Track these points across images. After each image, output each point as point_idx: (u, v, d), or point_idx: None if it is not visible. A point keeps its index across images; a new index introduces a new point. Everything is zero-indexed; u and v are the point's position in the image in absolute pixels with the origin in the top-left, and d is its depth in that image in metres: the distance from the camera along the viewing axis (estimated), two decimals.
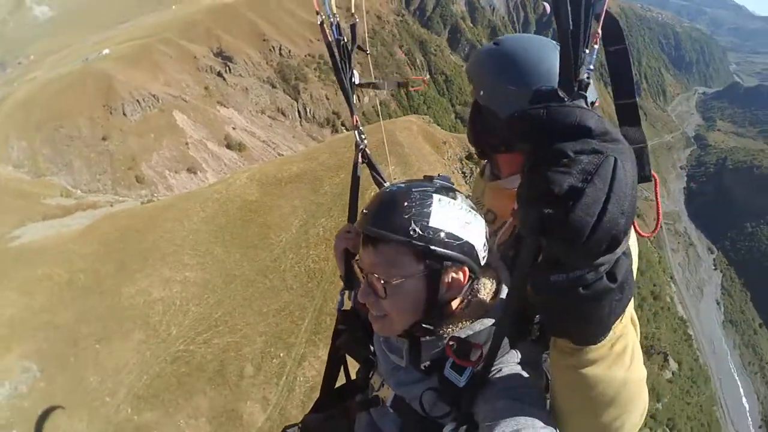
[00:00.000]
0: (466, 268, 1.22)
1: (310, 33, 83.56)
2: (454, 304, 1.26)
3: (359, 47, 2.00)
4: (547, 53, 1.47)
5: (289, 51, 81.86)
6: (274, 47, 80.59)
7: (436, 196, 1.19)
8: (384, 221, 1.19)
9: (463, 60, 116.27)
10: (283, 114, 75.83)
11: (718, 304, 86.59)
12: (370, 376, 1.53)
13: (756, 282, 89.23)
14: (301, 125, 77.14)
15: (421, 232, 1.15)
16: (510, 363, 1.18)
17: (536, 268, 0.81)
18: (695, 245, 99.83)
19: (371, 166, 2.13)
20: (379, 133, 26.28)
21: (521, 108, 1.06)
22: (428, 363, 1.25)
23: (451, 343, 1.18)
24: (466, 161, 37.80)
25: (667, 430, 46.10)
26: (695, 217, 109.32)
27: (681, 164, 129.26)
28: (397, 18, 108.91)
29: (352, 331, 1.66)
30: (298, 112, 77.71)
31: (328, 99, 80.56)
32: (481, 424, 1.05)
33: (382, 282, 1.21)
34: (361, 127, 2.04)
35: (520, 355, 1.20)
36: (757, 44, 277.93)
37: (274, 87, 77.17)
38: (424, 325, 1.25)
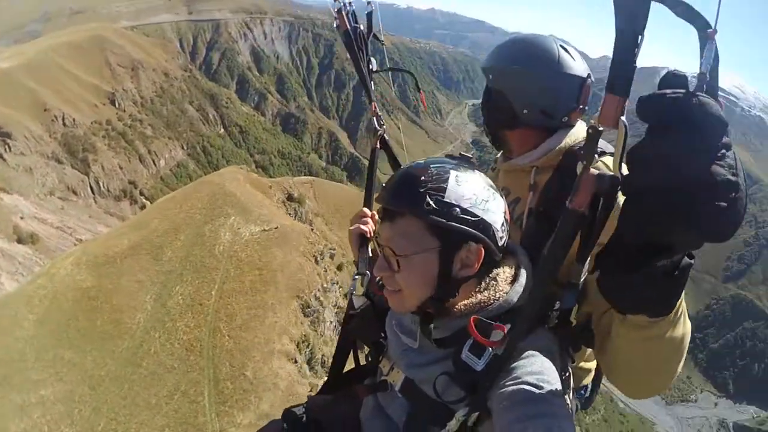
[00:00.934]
0: (482, 247, 1.21)
1: (96, 97, 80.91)
2: (470, 283, 1.25)
3: (375, 36, 2.06)
4: (540, 39, 1.70)
5: (74, 120, 76.73)
6: (57, 117, 74.50)
7: (453, 172, 1.20)
8: (400, 195, 1.21)
9: (254, 109, 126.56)
10: (75, 192, 69.64)
11: None
12: (379, 359, 1.54)
13: None
14: (96, 202, 72.18)
15: (435, 207, 1.15)
16: (527, 349, 1.15)
17: (633, 256, 0.84)
18: None
19: (389, 152, 2.14)
20: (207, 188, 33.12)
21: (540, 88, 1.63)
22: (441, 337, 1.26)
23: (473, 321, 1.15)
24: (289, 202, 39.78)
25: None
26: None
27: None
28: (185, 74, 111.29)
29: (363, 316, 1.66)
30: (91, 187, 72.54)
31: (121, 168, 78.61)
32: (498, 410, 1.05)
33: (397, 255, 1.21)
34: (379, 113, 2.07)
35: (537, 342, 1.18)
36: None
37: (60, 163, 70.69)
38: (437, 302, 1.25)
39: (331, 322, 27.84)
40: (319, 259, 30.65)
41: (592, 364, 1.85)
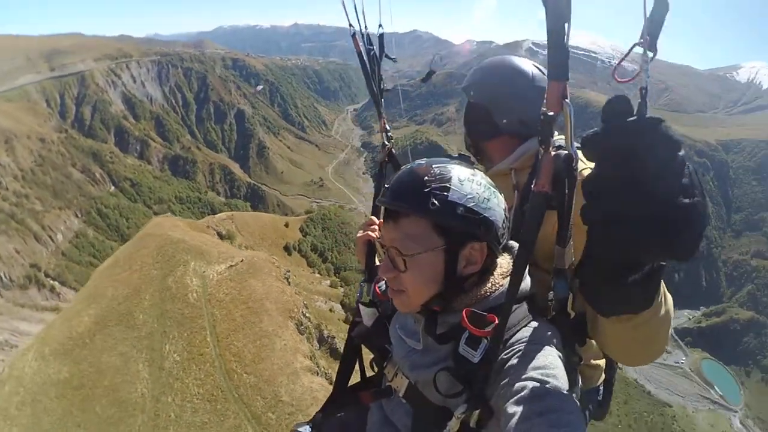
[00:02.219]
0: (485, 244, 1.24)
1: None
2: (472, 279, 1.28)
3: (387, 56, 2.18)
4: (515, 59, 1.95)
5: None
6: None
7: (455, 172, 1.22)
8: (404, 195, 1.22)
9: (139, 159, 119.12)
10: None
11: None
12: (384, 365, 1.55)
13: None
14: (2, 296, 63.26)
15: (440, 206, 1.17)
16: (531, 342, 1.16)
17: (607, 270, 0.87)
18: None
19: (396, 166, 2.16)
20: (151, 242, 30.58)
21: (516, 99, 1.89)
22: (443, 332, 1.28)
23: (465, 313, 1.18)
24: (221, 240, 39.60)
25: None
26: None
27: (363, 170, 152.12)
28: (61, 136, 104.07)
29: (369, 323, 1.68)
30: None
31: (19, 252, 71.33)
32: (503, 407, 1.04)
33: (402, 255, 1.23)
34: (388, 127, 2.17)
35: (540, 335, 1.19)
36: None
37: None
38: (441, 299, 1.27)
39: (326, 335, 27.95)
40: (289, 280, 30.52)
41: (602, 362, 1.92)
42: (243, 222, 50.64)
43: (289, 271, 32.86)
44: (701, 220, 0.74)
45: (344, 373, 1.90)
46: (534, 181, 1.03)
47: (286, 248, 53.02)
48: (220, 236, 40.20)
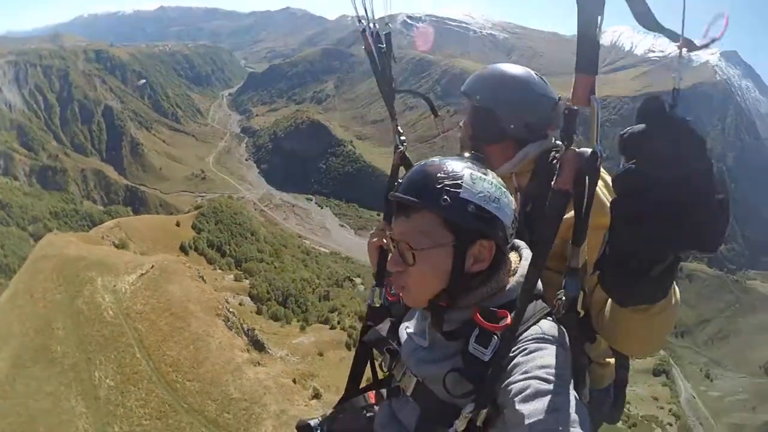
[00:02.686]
0: (493, 243, 1.25)
1: None
2: (479, 277, 1.29)
3: (394, 57, 2.12)
4: (519, 68, 2.02)
5: None
6: None
7: (468, 170, 1.24)
8: (417, 190, 1.24)
9: (4, 176, 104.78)
10: None
11: (342, 226, 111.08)
12: (393, 365, 1.54)
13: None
14: None
15: (452, 203, 1.19)
16: (536, 341, 1.16)
17: (631, 265, 0.90)
18: (296, 204, 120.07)
19: (409, 168, 1.97)
20: (46, 265, 26.72)
21: (524, 105, 1.92)
22: (451, 329, 1.29)
23: (477, 309, 1.22)
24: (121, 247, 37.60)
25: None
26: (284, 187, 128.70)
27: (245, 157, 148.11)
28: None
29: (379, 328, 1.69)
30: None
31: None
32: (507, 406, 1.05)
33: (412, 249, 1.24)
34: (400, 129, 2.14)
35: (546, 334, 1.18)
36: (257, 36, 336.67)
37: None
38: (448, 295, 1.28)
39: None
40: (204, 278, 29.59)
41: (611, 360, 1.94)
42: (132, 228, 46.85)
43: (198, 270, 31.83)
44: (729, 214, 0.78)
45: (355, 376, 1.92)
46: (555, 178, 1.02)
47: (182, 248, 50.05)
48: (116, 246, 37.20)
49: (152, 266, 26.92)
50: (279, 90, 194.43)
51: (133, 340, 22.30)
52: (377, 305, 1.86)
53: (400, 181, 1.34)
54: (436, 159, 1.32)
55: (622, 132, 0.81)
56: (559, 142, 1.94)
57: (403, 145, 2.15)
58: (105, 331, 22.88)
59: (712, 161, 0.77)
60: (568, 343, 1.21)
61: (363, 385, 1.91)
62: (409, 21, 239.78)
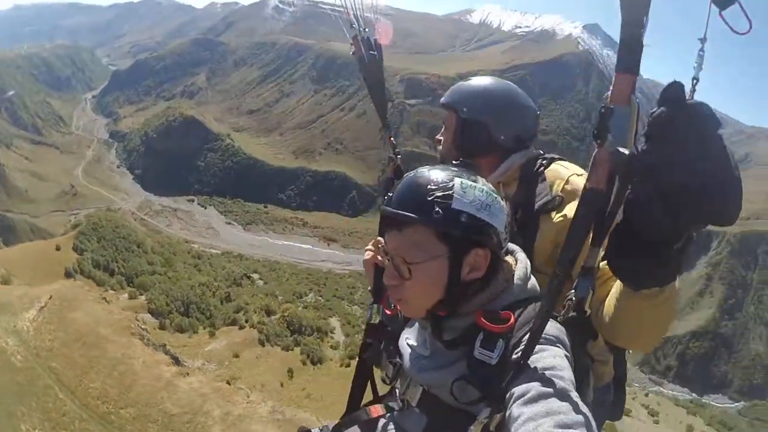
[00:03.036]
0: (488, 250, 1.26)
1: None
2: (475, 285, 1.29)
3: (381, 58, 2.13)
4: (497, 79, 2.11)
5: None
6: None
7: (458, 180, 1.24)
8: (408, 203, 1.23)
9: None
10: None
11: (229, 223, 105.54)
12: (395, 378, 1.55)
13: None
14: None
15: (444, 214, 1.19)
16: (540, 342, 1.15)
17: (653, 241, 0.94)
18: (178, 208, 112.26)
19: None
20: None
21: (513, 116, 2.01)
22: (451, 338, 1.29)
23: (480, 313, 1.23)
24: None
25: None
26: (162, 191, 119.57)
27: (117, 164, 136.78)
28: None
29: (380, 344, 1.70)
30: None
31: None
32: (510, 408, 1.05)
33: (407, 264, 1.25)
34: (394, 141, 2.16)
35: (548, 335, 1.18)
36: (120, 30, 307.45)
37: None
38: (446, 305, 1.29)
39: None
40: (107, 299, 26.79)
41: (610, 357, 1.95)
42: (8, 260, 40.61)
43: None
44: (742, 189, 0.83)
45: (356, 395, 1.88)
46: (588, 177, 1.01)
47: (67, 273, 44.53)
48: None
49: (50, 297, 23.67)
50: (146, 87, 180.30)
51: (51, 381, 19.32)
52: (375, 322, 1.83)
53: (390, 194, 1.32)
54: (424, 169, 1.31)
55: (655, 116, 0.84)
56: (540, 151, 2.04)
57: (397, 156, 2.14)
58: (18, 377, 19.51)
59: (723, 140, 0.82)
60: (569, 344, 1.22)
61: (363, 403, 1.88)
62: (280, 5, 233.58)
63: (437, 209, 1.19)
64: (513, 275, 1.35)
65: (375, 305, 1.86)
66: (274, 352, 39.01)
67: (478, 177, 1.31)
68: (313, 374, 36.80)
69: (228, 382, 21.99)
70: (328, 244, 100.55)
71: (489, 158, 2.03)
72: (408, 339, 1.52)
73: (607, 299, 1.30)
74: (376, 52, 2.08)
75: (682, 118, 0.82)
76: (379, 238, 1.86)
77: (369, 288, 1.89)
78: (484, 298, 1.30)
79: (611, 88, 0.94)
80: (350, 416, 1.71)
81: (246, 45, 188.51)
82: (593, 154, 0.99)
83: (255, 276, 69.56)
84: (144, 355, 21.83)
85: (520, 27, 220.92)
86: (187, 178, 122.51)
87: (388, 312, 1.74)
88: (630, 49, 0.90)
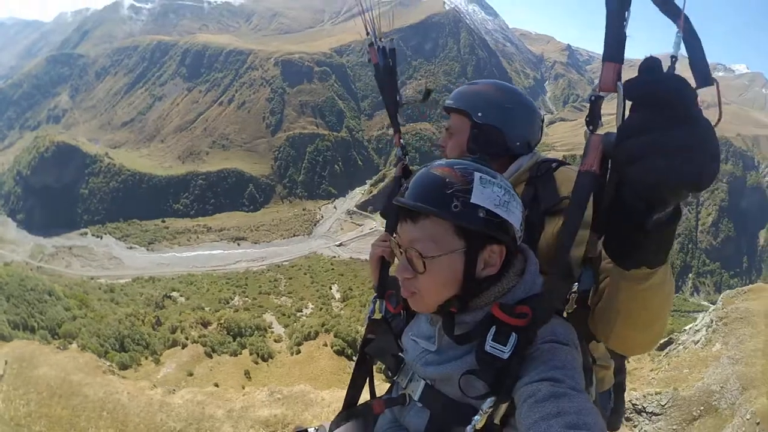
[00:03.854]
0: (504, 247, 1.25)
1: None
2: (489, 280, 1.28)
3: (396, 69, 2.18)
4: (505, 84, 2.05)
5: None
6: None
7: (477, 174, 1.22)
8: (425, 196, 1.21)
9: None
10: None
11: (131, 248, 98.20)
12: (397, 372, 1.52)
13: None
14: None
15: (462, 208, 1.17)
16: (549, 341, 1.16)
17: (647, 208, 0.93)
18: (72, 245, 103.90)
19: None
20: None
21: (527, 122, 2.00)
22: (462, 332, 1.27)
23: (497, 305, 1.21)
24: None
25: None
26: (51, 231, 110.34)
27: None
28: None
29: (381, 339, 1.67)
30: None
31: None
32: (521, 408, 1.04)
33: (422, 257, 1.22)
34: (402, 141, 2.19)
35: (557, 332, 1.19)
36: None
37: None
38: (458, 301, 1.27)
39: None
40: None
41: (612, 362, 1.95)
42: None
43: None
44: (717, 153, 0.83)
45: (355, 388, 1.85)
46: (582, 161, 1.04)
47: None
48: None
49: (5, 362, 22.25)
50: (8, 120, 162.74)
51: None
52: (378, 317, 1.79)
53: (405, 186, 1.29)
54: (443, 161, 1.28)
55: (632, 84, 0.88)
56: (546, 156, 2.04)
57: (405, 157, 2.20)
58: None
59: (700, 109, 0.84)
60: (578, 342, 1.22)
61: (361, 399, 1.85)
62: (136, 4, 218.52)
63: (456, 203, 1.16)
64: (524, 271, 1.32)
65: (378, 300, 1.85)
66: (224, 360, 38.81)
67: (497, 173, 1.28)
68: (268, 370, 37.15)
69: (216, 384, 22.26)
70: (238, 244, 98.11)
71: (499, 162, 2.01)
72: (412, 335, 1.50)
73: (603, 296, 1.28)
74: (390, 60, 2.12)
75: (664, 84, 0.85)
76: (387, 233, 1.90)
77: (372, 285, 1.88)
78: (495, 292, 1.26)
79: (600, 76, 0.98)
80: (351, 410, 1.71)
81: (106, 53, 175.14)
82: (587, 139, 1.04)
83: (175, 294, 66.82)
84: (126, 387, 20.39)
85: None
86: (74, 211, 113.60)
87: (391, 309, 1.71)
88: (614, 39, 0.95)
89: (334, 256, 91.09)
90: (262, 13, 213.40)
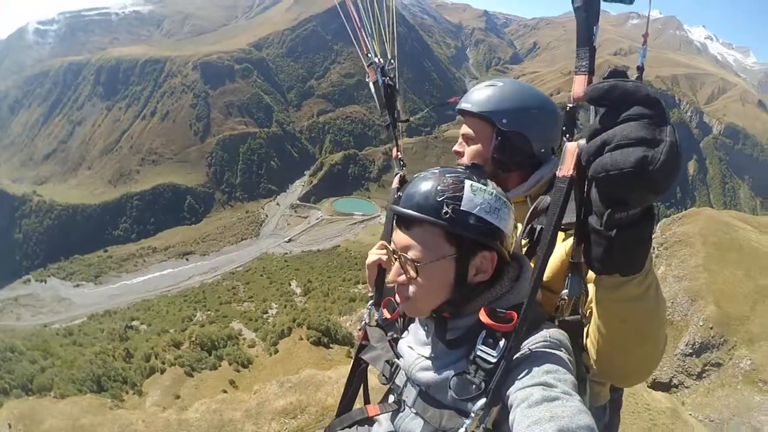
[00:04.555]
0: (495, 253, 1.27)
1: None
2: (481, 286, 1.30)
3: (396, 90, 2.18)
4: (525, 84, 1.96)
5: None
6: None
7: (468, 182, 1.25)
8: (418, 203, 1.24)
9: None
10: None
11: (78, 285, 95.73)
12: (393, 378, 1.52)
13: None
14: None
15: (453, 215, 1.20)
16: (539, 344, 1.17)
17: (607, 208, 0.94)
18: (17, 295, 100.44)
19: None
20: None
21: (552, 127, 1.89)
22: (454, 337, 1.30)
23: (485, 311, 1.22)
24: None
25: None
26: None
27: None
28: None
29: (376, 346, 1.68)
30: None
31: None
32: (514, 412, 1.05)
33: (414, 263, 1.26)
34: (400, 155, 2.19)
35: (549, 338, 1.20)
36: None
37: None
38: (450, 306, 1.30)
39: None
40: None
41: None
42: None
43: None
44: (676, 158, 0.84)
45: (349, 394, 1.87)
46: (558, 167, 1.06)
47: None
48: None
49: (9, 425, 21.69)
50: None
51: None
52: (373, 325, 1.79)
53: (399, 194, 1.33)
54: (435, 170, 1.32)
55: (592, 87, 0.93)
56: None
57: (402, 169, 2.14)
58: None
59: (666, 116, 0.88)
60: (571, 348, 1.22)
61: (355, 405, 1.87)
62: (41, 27, 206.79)
63: (446, 210, 1.20)
64: (518, 277, 1.34)
65: (373, 307, 1.86)
66: (206, 376, 37.64)
67: (488, 180, 1.32)
68: (251, 374, 36.56)
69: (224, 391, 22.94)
70: (187, 259, 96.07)
71: (519, 172, 1.96)
72: (408, 342, 1.51)
73: (591, 320, 1.27)
74: (387, 78, 2.13)
75: (613, 86, 0.89)
76: (383, 242, 1.85)
77: (369, 293, 1.90)
78: (488, 298, 1.30)
79: (573, 87, 1.03)
80: (345, 416, 1.71)
81: (17, 84, 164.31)
82: (563, 148, 1.06)
83: (136, 323, 65.42)
84: (138, 416, 20.30)
85: None
86: (12, 259, 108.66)
87: (388, 316, 1.73)
88: (585, 54, 0.99)
89: (286, 253, 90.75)
90: (173, 17, 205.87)
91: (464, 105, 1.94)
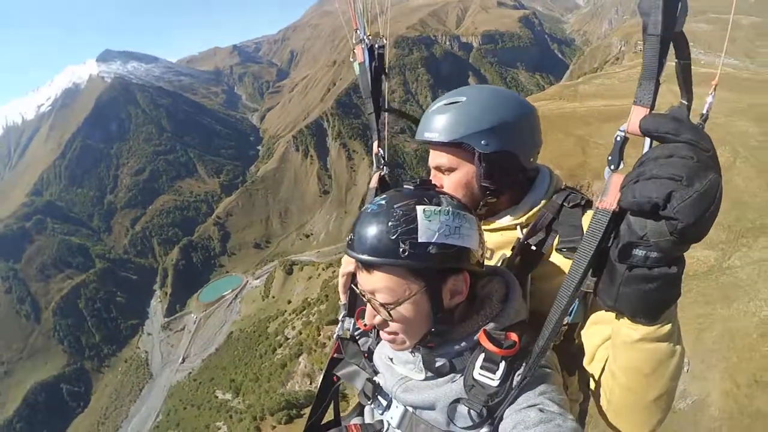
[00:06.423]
0: (466, 273, 1.21)
1: None
2: (463, 307, 1.26)
3: (386, 72, 2.00)
4: (494, 88, 1.63)
5: None
6: None
7: (419, 208, 1.15)
8: (372, 246, 1.15)
9: None
10: None
11: None
12: (374, 396, 1.43)
13: None
14: None
15: (412, 250, 1.11)
16: (540, 366, 1.12)
17: (634, 256, 0.88)
18: None
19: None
20: None
21: (537, 140, 1.62)
22: (443, 363, 1.24)
23: (484, 332, 1.15)
24: None
25: None
26: None
27: None
28: None
29: (349, 360, 1.58)
30: None
31: None
32: (511, 429, 1.03)
33: (385, 306, 1.19)
34: (382, 152, 2.01)
35: (546, 359, 1.16)
36: None
37: None
38: (435, 335, 1.24)
39: None
40: None
41: (579, 397, 1.65)
42: None
43: None
44: (712, 204, 0.79)
45: (318, 412, 1.78)
46: (600, 198, 0.99)
47: None
48: None
49: None
50: None
51: None
52: (346, 337, 1.66)
53: (351, 236, 1.22)
54: (382, 201, 1.21)
55: (649, 118, 0.88)
56: (566, 185, 1.71)
57: (382, 167, 2.01)
58: None
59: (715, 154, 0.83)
60: (559, 366, 1.22)
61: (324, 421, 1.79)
62: None
63: (404, 247, 1.12)
64: (506, 297, 1.31)
65: (347, 318, 1.78)
66: None
67: (441, 197, 1.22)
68: None
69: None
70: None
71: (508, 195, 1.67)
72: (387, 353, 1.44)
73: (603, 363, 1.22)
74: (377, 62, 1.99)
75: (663, 119, 0.85)
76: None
77: (341, 302, 1.80)
78: (479, 320, 1.24)
79: (629, 117, 0.96)
80: None
81: None
82: (608, 178, 0.99)
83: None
84: None
85: None
86: None
87: (362, 327, 1.61)
88: (648, 84, 0.93)
89: (190, 372, 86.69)
90: None
91: (429, 135, 1.58)
